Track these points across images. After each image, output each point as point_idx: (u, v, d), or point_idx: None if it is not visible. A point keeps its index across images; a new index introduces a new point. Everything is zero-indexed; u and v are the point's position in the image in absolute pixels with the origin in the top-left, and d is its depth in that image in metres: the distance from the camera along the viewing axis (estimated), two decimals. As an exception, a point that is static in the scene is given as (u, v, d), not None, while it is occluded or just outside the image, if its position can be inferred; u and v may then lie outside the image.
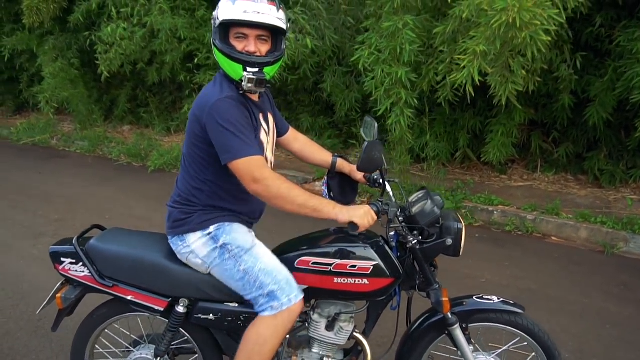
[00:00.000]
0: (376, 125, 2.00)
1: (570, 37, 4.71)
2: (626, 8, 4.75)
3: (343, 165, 2.17)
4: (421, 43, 4.31)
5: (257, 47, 1.77)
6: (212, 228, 1.88)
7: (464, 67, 3.77)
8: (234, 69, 1.76)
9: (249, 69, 1.74)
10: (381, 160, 1.83)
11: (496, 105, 5.27)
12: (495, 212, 4.76)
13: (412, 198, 1.95)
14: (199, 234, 1.88)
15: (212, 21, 1.81)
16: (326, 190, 2.16)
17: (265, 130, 1.92)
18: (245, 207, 1.96)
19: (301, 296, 1.85)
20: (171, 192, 2.01)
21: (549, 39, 3.59)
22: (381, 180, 2.00)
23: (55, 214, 5.09)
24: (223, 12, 1.74)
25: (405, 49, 4.15)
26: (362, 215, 1.74)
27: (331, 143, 6.62)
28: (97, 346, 2.21)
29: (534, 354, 2.04)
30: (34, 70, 9.70)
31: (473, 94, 3.97)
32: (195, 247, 1.88)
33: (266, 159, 1.87)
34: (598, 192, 5.15)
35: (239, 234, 1.89)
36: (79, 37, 8.56)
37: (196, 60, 6.67)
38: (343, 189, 2.15)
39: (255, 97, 1.90)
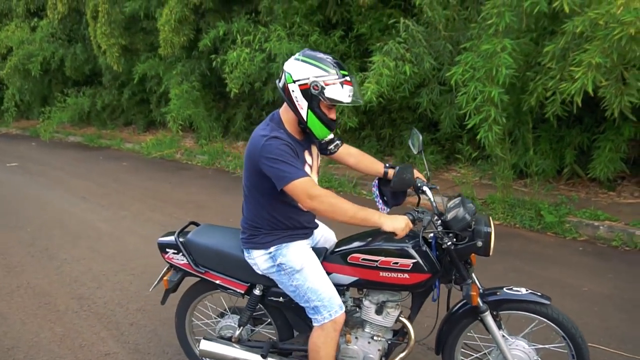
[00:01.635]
0: (421, 137, 2.42)
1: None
2: None
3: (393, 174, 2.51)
4: (517, 66, 4.50)
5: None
6: (272, 249, 2.28)
7: (577, 79, 3.93)
8: (323, 131, 2.19)
9: (334, 136, 2.34)
10: (412, 180, 2.24)
11: (604, 121, 5.31)
12: (601, 227, 4.76)
13: (450, 204, 2.27)
14: (262, 251, 2.30)
15: (313, 86, 2.09)
16: (377, 192, 2.52)
17: (308, 164, 2.29)
18: (302, 220, 2.33)
19: (341, 311, 2.24)
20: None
21: None
22: (426, 189, 2.36)
23: (187, 217, 5.82)
24: (333, 92, 2.10)
25: (501, 71, 4.38)
26: (402, 228, 2.10)
27: (433, 159, 6.88)
28: (195, 313, 2.78)
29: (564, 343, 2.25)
30: (161, 92, 10.96)
31: (580, 104, 4.10)
32: (257, 261, 2.33)
33: None
34: None
35: (293, 255, 2.26)
36: (201, 63, 9.62)
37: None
38: (394, 194, 2.48)
39: (299, 136, 2.26)
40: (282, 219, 2.28)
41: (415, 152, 2.47)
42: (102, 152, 11.34)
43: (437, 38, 5.59)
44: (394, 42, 5.41)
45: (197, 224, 2.68)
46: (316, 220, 2.49)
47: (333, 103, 2.13)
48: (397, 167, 2.24)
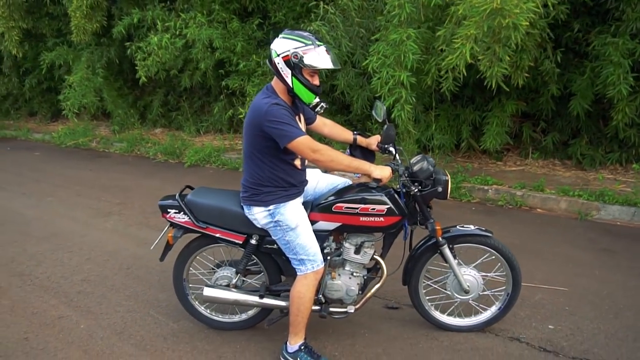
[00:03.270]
0: (384, 107, 2.90)
1: (552, 38, 5.54)
2: (599, 15, 5.58)
3: (362, 140, 2.99)
4: (421, 53, 5.15)
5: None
6: (271, 207, 2.65)
7: (457, 48, 4.60)
8: (309, 96, 2.54)
9: (320, 99, 2.64)
10: (394, 136, 2.77)
11: (491, 100, 6.14)
12: (489, 191, 5.58)
13: (413, 160, 2.84)
14: (262, 208, 2.67)
15: (293, 56, 2.46)
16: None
17: (301, 128, 2.62)
18: (296, 177, 2.71)
19: (322, 265, 2.67)
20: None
21: (527, 23, 4.38)
22: (392, 149, 2.88)
23: (116, 199, 6.00)
24: (311, 59, 2.45)
25: (408, 57, 5.02)
26: (387, 176, 2.60)
27: (347, 138, 7.46)
28: (192, 268, 3.11)
29: (499, 264, 2.91)
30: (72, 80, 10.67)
31: (465, 74, 4.80)
32: (257, 216, 2.70)
33: None
34: (580, 173, 5.95)
35: (289, 214, 2.63)
36: (110, 50, 9.51)
37: (233, 66, 7.52)
38: (364, 156, 2.95)
39: (290, 104, 2.61)
40: (283, 175, 2.66)
41: (380, 121, 2.89)
42: (9, 143, 10.91)
43: (350, 24, 6.13)
44: (317, 23, 5.87)
45: (192, 187, 3.01)
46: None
47: (312, 69, 2.48)
48: (385, 126, 2.73)
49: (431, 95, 6.21)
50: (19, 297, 3.63)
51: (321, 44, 2.51)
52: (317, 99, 2.66)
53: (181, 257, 3.04)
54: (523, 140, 6.51)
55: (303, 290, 2.68)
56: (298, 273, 2.70)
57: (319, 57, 2.47)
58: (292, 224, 2.65)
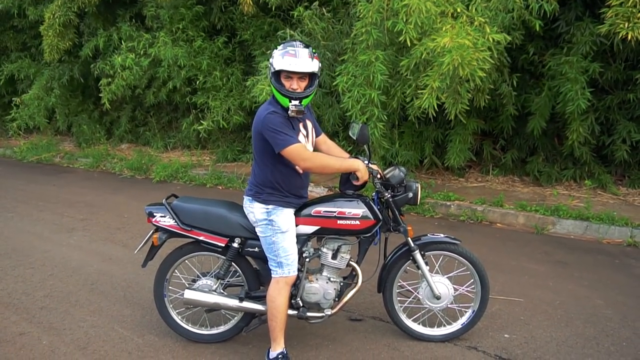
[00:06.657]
0: (359, 126, 2.98)
1: (509, 62, 5.80)
2: (552, 39, 5.89)
3: None
4: (389, 73, 5.35)
5: (298, 84, 2.63)
6: (270, 207, 2.79)
7: (425, 99, 4.83)
8: (283, 100, 2.65)
9: (292, 101, 2.62)
10: (368, 136, 2.88)
11: (453, 119, 6.35)
12: (452, 206, 5.76)
13: (387, 170, 3.00)
14: (262, 205, 2.81)
15: (269, 66, 2.68)
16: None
17: (303, 134, 2.79)
18: (294, 184, 2.83)
19: (295, 273, 2.80)
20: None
21: (484, 74, 4.69)
22: (367, 155, 3.00)
23: (80, 215, 5.93)
24: (276, 63, 2.61)
25: (376, 77, 5.20)
26: (367, 177, 2.79)
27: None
28: (176, 272, 3.16)
29: (472, 280, 3.06)
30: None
31: (435, 114, 5.04)
32: (255, 210, 2.83)
33: None
34: (538, 189, 6.20)
35: (283, 218, 2.78)
36: (74, 68, 9.43)
37: (198, 84, 7.61)
38: (354, 188, 2.99)
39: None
40: (281, 180, 2.79)
41: (354, 138, 2.98)
42: (-33, 158, 10.61)
43: (316, 47, 6.28)
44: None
45: (176, 196, 3.10)
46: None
47: (277, 71, 2.62)
48: (360, 125, 2.86)
49: (396, 113, 6.38)
50: (-22, 314, 3.56)
51: (291, 48, 2.60)
52: (295, 102, 2.63)
53: (163, 266, 3.10)
54: (484, 158, 6.75)
55: (274, 293, 2.78)
56: (273, 275, 2.80)
57: (283, 60, 2.59)
58: (284, 227, 2.78)
